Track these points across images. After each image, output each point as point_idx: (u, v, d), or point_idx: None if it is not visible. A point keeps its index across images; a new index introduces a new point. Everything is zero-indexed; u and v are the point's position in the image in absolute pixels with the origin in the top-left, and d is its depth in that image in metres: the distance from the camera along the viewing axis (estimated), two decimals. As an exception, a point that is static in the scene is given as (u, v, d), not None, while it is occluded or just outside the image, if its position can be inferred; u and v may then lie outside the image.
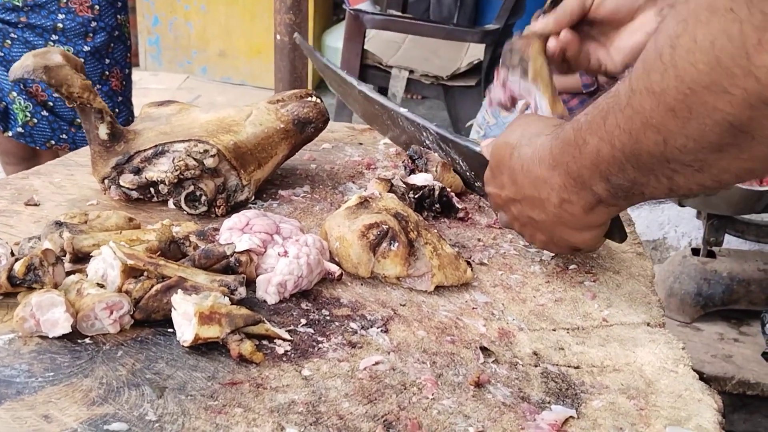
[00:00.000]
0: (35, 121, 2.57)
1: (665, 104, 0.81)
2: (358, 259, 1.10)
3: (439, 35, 4.12)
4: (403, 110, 1.46)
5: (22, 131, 2.59)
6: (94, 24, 2.54)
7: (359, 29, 3.97)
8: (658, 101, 0.82)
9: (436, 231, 1.18)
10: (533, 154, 1.04)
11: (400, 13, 4.83)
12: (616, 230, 1.12)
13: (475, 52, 4.17)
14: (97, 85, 2.60)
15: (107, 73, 2.63)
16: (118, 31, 2.63)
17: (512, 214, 1.13)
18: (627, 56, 1.38)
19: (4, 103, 2.57)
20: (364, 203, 1.15)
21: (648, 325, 1.07)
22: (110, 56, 2.62)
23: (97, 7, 2.54)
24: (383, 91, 4.32)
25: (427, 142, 1.43)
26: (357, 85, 1.55)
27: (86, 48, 2.54)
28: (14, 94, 2.54)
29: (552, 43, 1.35)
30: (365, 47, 4.06)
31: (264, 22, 5.74)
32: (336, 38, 5.37)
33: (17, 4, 2.48)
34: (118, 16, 2.63)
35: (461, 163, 1.38)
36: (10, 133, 2.61)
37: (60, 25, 2.50)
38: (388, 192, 1.24)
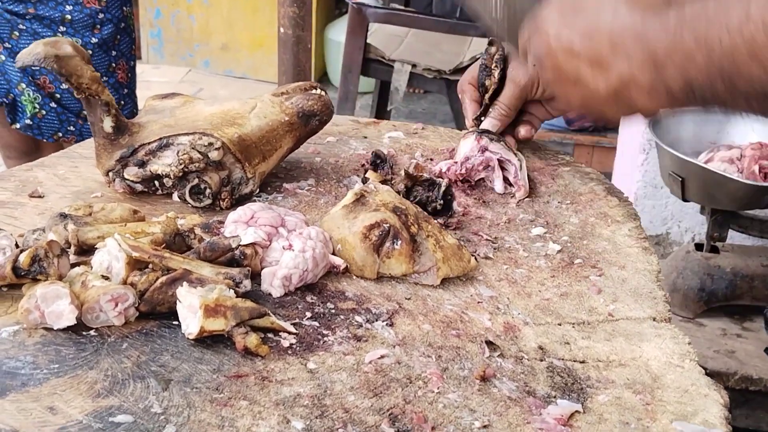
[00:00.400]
0: (44, 112, 2.57)
1: None
2: (362, 261, 1.09)
3: (442, 29, 4.10)
4: None
5: (30, 123, 2.58)
6: (101, 16, 2.54)
7: (362, 23, 3.95)
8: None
9: (435, 222, 1.17)
10: (632, 22, 0.93)
11: (402, 7, 4.83)
12: None
13: (478, 46, 4.15)
14: (104, 78, 2.59)
15: (114, 65, 2.63)
16: (124, 23, 2.63)
17: (558, 63, 1.00)
18: (561, 112, 1.49)
19: (12, 95, 2.57)
20: (360, 199, 1.13)
21: (654, 320, 1.07)
22: (117, 48, 2.62)
23: None
24: (386, 85, 4.32)
25: None
26: None
27: (94, 40, 2.54)
28: (23, 85, 2.53)
29: (510, 141, 1.45)
30: (368, 41, 4.05)
31: (266, 16, 5.72)
32: (339, 32, 5.36)
33: None
34: (124, 8, 2.62)
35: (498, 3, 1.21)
36: (17, 125, 2.60)
37: (68, 16, 2.50)
38: (381, 183, 1.22)
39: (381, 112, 4.48)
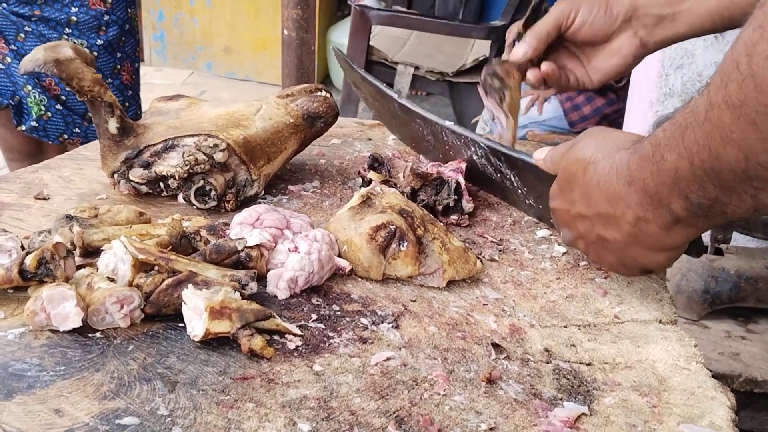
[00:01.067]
0: (49, 114, 2.57)
1: (745, 117, 0.77)
2: (368, 263, 1.09)
3: (445, 31, 4.11)
4: (448, 123, 1.37)
5: (36, 125, 2.59)
6: (106, 17, 2.54)
7: (365, 25, 3.96)
8: (738, 114, 0.77)
9: (441, 224, 1.17)
10: (610, 169, 0.98)
11: (405, 9, 4.83)
12: (693, 245, 1.06)
13: (481, 48, 4.16)
14: (109, 79, 2.60)
15: (119, 66, 2.63)
16: (129, 25, 2.64)
17: (579, 232, 1.07)
18: (604, 76, 1.42)
19: (18, 97, 2.57)
20: (366, 201, 1.14)
21: (660, 322, 1.07)
22: (121, 50, 2.62)
23: (109, 0, 2.54)
24: (388, 87, 4.32)
25: (475, 157, 1.33)
26: (397, 98, 1.46)
27: (99, 41, 2.55)
28: (29, 87, 2.54)
29: (532, 75, 1.39)
30: (371, 43, 4.06)
31: (269, 18, 5.74)
32: (341, 34, 5.37)
33: None
34: (129, 10, 2.63)
35: (512, 177, 1.29)
36: (23, 128, 2.61)
37: (73, 18, 2.50)
38: (382, 183, 1.22)
39: (384, 114, 4.48)
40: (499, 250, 1.23)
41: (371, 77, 1.54)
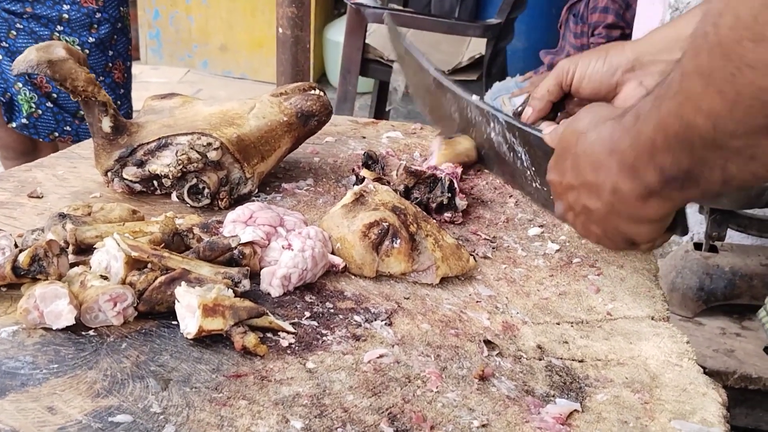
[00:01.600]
0: (40, 112, 2.57)
1: (714, 86, 0.77)
2: (361, 260, 1.09)
3: (441, 29, 4.10)
4: (474, 97, 1.38)
5: (27, 122, 2.59)
6: (98, 15, 2.54)
7: (360, 23, 3.95)
8: (707, 83, 0.78)
9: (435, 221, 1.17)
10: (597, 138, 0.99)
11: (401, 7, 4.82)
12: (678, 223, 1.05)
13: (477, 46, 4.15)
14: (101, 77, 2.60)
15: (110, 65, 2.63)
16: (121, 23, 2.64)
17: (568, 203, 1.07)
18: None
19: (9, 93, 2.57)
20: (359, 199, 1.14)
21: (652, 318, 1.07)
22: (113, 48, 2.62)
23: None
24: (384, 85, 4.31)
25: (493, 134, 1.33)
26: (432, 72, 1.47)
27: (91, 39, 2.54)
28: (19, 84, 2.53)
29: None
30: (366, 41, 4.05)
31: (265, 16, 5.73)
32: (337, 32, 5.36)
33: None
34: (121, 8, 2.63)
35: (523, 156, 1.28)
36: (14, 125, 2.61)
37: (65, 15, 2.50)
38: (376, 180, 1.22)
39: (380, 112, 4.48)
40: (493, 248, 1.23)
41: (414, 50, 1.55)
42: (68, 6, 2.50)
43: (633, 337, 1.02)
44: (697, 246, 2.49)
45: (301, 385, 0.87)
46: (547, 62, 4.06)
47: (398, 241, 1.09)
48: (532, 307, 1.08)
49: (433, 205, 1.30)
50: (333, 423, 0.81)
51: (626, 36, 3.72)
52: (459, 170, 1.35)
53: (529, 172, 1.28)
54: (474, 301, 1.08)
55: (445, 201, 1.29)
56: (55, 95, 2.56)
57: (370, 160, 1.36)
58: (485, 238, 1.26)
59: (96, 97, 1.23)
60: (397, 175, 1.31)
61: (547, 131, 1.17)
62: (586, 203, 1.03)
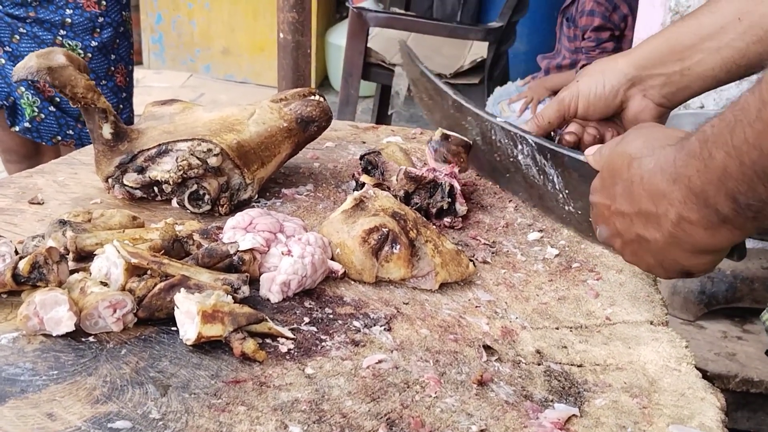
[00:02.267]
0: (42, 116, 2.59)
1: None
2: (361, 265, 1.09)
3: (442, 33, 4.11)
4: (499, 120, 1.34)
5: (29, 126, 2.60)
6: (101, 19, 2.56)
7: (362, 27, 3.96)
8: None
9: (434, 227, 1.18)
10: (655, 165, 0.94)
11: (403, 11, 4.83)
12: (736, 248, 1.00)
13: (479, 50, 4.16)
14: (103, 81, 2.61)
15: (113, 69, 2.64)
16: (123, 28, 2.65)
17: (616, 230, 1.03)
18: None
19: (12, 98, 2.58)
20: (359, 204, 1.14)
21: (651, 323, 1.07)
22: (115, 52, 2.64)
23: (103, 2, 2.56)
24: (386, 89, 4.32)
25: (520, 156, 1.30)
26: (452, 95, 1.45)
27: (93, 43, 2.56)
28: (22, 89, 2.55)
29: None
30: (368, 45, 4.06)
31: (267, 20, 5.74)
32: (339, 36, 5.37)
33: None
34: (123, 13, 2.64)
35: (555, 178, 1.25)
36: (17, 128, 2.62)
37: (68, 20, 2.51)
38: (376, 186, 1.22)
39: (382, 116, 4.49)
40: (492, 253, 1.23)
41: (430, 73, 1.52)
42: (71, 10, 2.51)
43: (632, 342, 1.02)
44: (699, 249, 2.49)
45: (299, 390, 0.87)
46: (544, 67, 4.07)
47: (398, 246, 1.09)
48: (531, 311, 1.08)
49: (433, 210, 1.30)
50: (332, 428, 0.82)
51: (616, 37, 3.73)
52: (457, 170, 1.35)
53: (561, 195, 1.25)
54: (473, 306, 1.08)
55: (445, 206, 1.29)
56: (58, 99, 2.58)
57: (370, 165, 1.36)
58: (485, 243, 1.26)
59: (96, 103, 1.23)
60: (397, 180, 1.31)
61: (590, 152, 1.13)
62: (641, 233, 0.98)
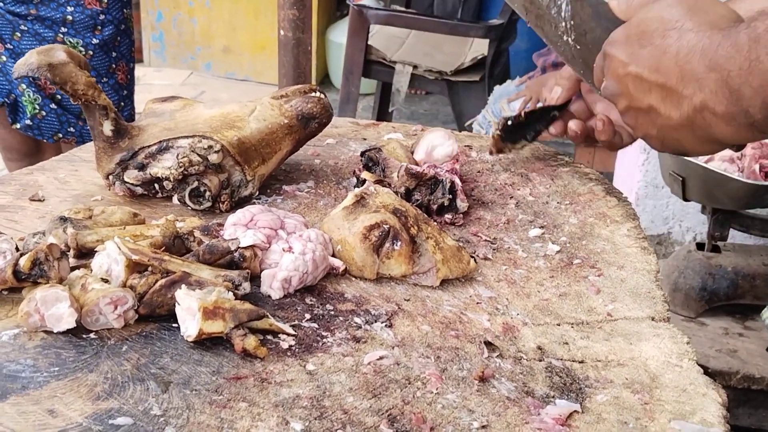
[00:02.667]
0: (44, 113, 2.59)
1: None
2: (362, 262, 1.09)
3: (443, 30, 4.11)
4: None
5: (30, 123, 2.60)
6: (102, 17, 2.56)
7: (363, 25, 3.96)
8: None
9: (435, 223, 1.17)
10: (696, 45, 0.88)
11: (403, 9, 4.83)
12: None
13: (479, 47, 4.16)
14: (104, 78, 2.61)
15: (114, 66, 2.65)
16: (124, 25, 2.65)
17: (627, 90, 0.97)
18: None
19: (13, 95, 2.58)
20: (360, 201, 1.14)
21: (653, 319, 1.07)
22: (117, 50, 2.64)
23: (105, 0, 2.55)
24: (387, 86, 4.32)
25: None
26: None
27: (95, 41, 2.56)
28: (23, 86, 2.55)
29: (554, 128, 1.40)
30: (369, 42, 4.06)
31: (268, 18, 5.73)
32: (340, 34, 5.37)
33: None
34: (125, 10, 2.64)
35: (564, 5, 1.16)
36: (18, 126, 2.62)
37: (69, 17, 2.51)
38: (376, 182, 1.22)
39: (383, 113, 4.48)
40: (493, 249, 1.23)
41: None
42: (72, 8, 2.51)
43: (633, 338, 1.02)
44: (700, 246, 2.49)
45: (301, 387, 0.87)
46: (540, 64, 4.07)
47: (399, 243, 1.09)
48: (533, 308, 1.08)
49: (434, 207, 1.30)
50: (333, 425, 0.82)
51: None
52: (458, 166, 1.35)
53: (564, 24, 1.17)
54: (474, 303, 1.08)
55: (446, 202, 1.29)
56: (59, 97, 2.58)
57: (371, 162, 1.36)
58: (486, 240, 1.26)
59: (96, 100, 1.23)
60: (398, 176, 1.31)
61: None
62: (655, 105, 0.94)
